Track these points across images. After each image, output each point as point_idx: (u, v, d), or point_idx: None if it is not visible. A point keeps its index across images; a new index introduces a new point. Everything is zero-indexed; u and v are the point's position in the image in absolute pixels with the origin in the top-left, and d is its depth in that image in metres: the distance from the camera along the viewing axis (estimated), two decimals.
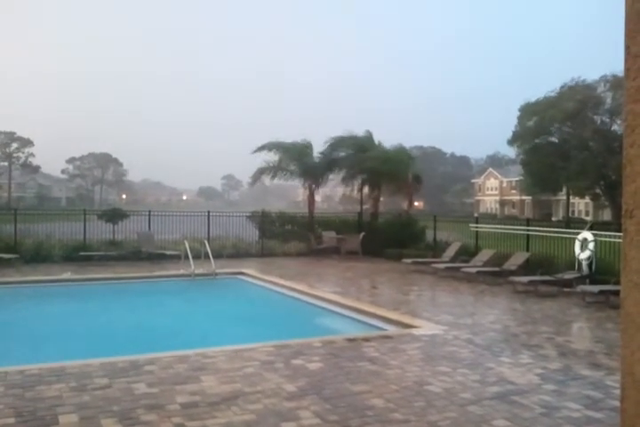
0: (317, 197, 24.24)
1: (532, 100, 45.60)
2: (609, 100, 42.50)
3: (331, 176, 23.50)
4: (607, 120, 43.44)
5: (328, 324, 10.65)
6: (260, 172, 22.63)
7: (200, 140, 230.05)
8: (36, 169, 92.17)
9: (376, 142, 23.06)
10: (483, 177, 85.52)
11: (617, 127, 42.31)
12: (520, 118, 46.79)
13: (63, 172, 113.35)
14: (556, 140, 45.48)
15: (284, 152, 22.09)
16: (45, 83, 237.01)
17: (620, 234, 1.38)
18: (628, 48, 1.39)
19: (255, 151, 22.19)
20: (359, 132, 23.14)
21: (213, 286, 14.64)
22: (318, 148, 22.64)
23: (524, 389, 6.01)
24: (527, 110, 45.64)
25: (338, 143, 22.57)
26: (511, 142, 48.60)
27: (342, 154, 22.67)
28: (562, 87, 44.48)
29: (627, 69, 1.40)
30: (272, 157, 22.29)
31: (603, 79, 42.53)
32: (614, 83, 40.88)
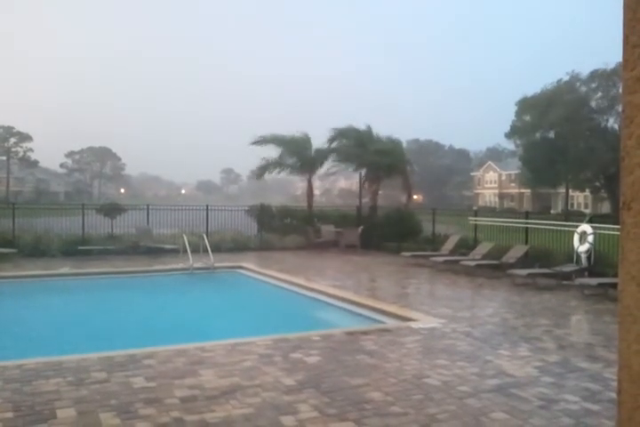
0: (316, 191, 24.28)
1: (529, 94, 45.68)
2: (601, 94, 42.59)
3: (330, 169, 23.50)
4: (604, 113, 43.48)
5: (326, 317, 10.66)
6: (264, 168, 22.67)
7: (198, 133, 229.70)
8: (35, 164, 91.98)
9: (375, 136, 23.02)
10: (482, 170, 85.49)
11: (613, 121, 42.39)
12: (517, 113, 46.84)
13: (62, 166, 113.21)
14: (555, 135, 45.51)
15: (284, 145, 22.08)
16: (44, 77, 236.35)
17: (619, 226, 1.36)
18: (626, 38, 1.37)
19: (254, 143, 22.14)
20: (358, 125, 23.15)
21: (212, 279, 14.65)
22: (317, 141, 22.66)
23: (522, 381, 6.02)
24: (524, 105, 45.70)
25: (338, 135, 22.55)
26: (509, 136, 48.75)
27: (343, 145, 22.63)
28: (558, 81, 44.56)
29: (625, 60, 1.37)
30: (272, 150, 22.37)
31: (596, 72, 42.53)
32: (607, 75, 40.97)
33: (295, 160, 22.33)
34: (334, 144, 22.71)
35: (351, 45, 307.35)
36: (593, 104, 43.45)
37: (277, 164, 22.54)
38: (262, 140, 22.19)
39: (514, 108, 47.53)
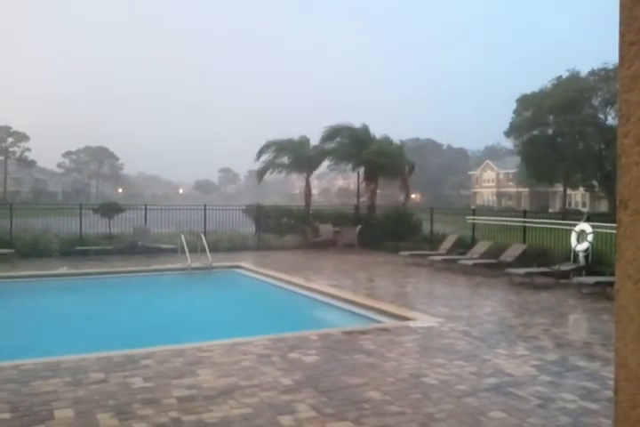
0: (314, 190, 24.31)
1: (529, 92, 45.70)
2: (601, 92, 42.64)
3: (328, 169, 23.52)
4: (602, 111, 43.54)
5: (324, 317, 10.66)
6: (263, 171, 22.72)
7: (197, 133, 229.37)
8: (32, 164, 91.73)
9: (372, 135, 23.01)
10: (480, 169, 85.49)
11: (611, 119, 42.44)
12: (516, 110, 46.86)
13: (59, 166, 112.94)
14: (553, 132, 45.53)
15: (283, 149, 22.21)
16: (42, 76, 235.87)
17: (616, 225, 1.36)
18: (622, 36, 1.36)
19: (258, 154, 22.41)
20: (356, 123, 23.15)
21: (210, 279, 14.64)
22: (314, 138, 22.69)
23: (520, 380, 6.03)
24: (524, 102, 45.71)
25: (334, 134, 22.55)
26: (508, 134, 48.75)
27: (338, 144, 22.68)
28: (557, 79, 44.60)
29: (621, 58, 1.37)
30: (271, 154, 22.45)
31: (594, 71, 42.60)
32: (605, 75, 41.07)
33: (292, 160, 22.37)
34: (329, 143, 22.70)
35: (351, 45, 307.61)
36: (592, 101, 43.48)
37: (276, 164, 22.60)
38: (265, 148, 22.31)
39: (512, 107, 47.48)
